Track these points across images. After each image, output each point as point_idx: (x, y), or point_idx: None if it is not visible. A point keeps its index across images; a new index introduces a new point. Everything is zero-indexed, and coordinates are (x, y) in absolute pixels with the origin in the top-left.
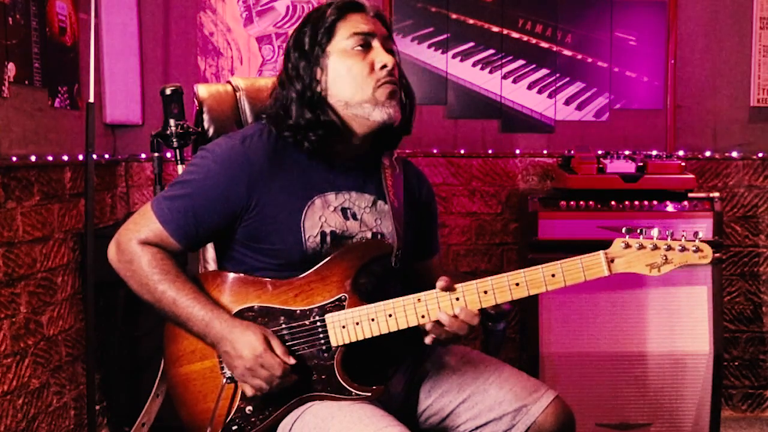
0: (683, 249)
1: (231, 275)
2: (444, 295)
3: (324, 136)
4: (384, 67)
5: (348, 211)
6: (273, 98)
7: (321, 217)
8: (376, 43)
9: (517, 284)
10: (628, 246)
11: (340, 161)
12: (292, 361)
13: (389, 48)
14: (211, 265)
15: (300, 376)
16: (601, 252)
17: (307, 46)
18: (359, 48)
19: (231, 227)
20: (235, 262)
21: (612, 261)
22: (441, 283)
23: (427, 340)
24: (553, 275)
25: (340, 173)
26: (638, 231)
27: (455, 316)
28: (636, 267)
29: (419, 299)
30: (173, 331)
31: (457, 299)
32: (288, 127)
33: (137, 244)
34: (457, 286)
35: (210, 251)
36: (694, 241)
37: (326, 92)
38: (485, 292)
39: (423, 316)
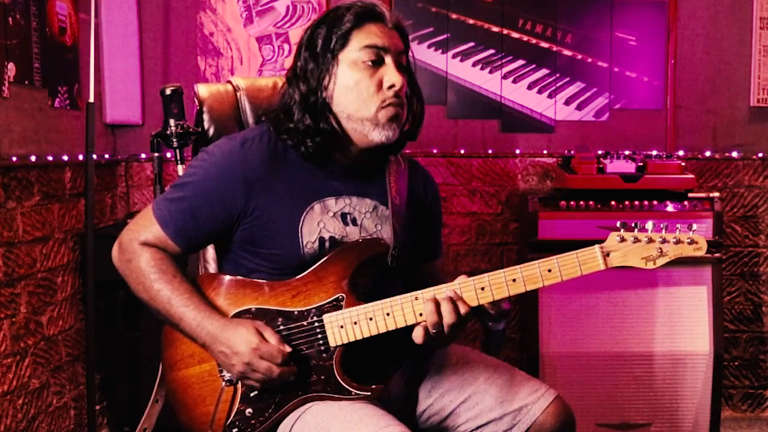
0: (678, 241)
1: (228, 277)
2: (441, 292)
3: (322, 144)
4: (392, 87)
5: (348, 216)
6: (280, 95)
7: (320, 222)
8: (388, 60)
9: (514, 280)
10: (623, 240)
11: (341, 166)
12: (288, 348)
13: (402, 65)
14: (212, 265)
15: (299, 377)
16: (596, 246)
17: (319, 48)
18: (370, 62)
19: (229, 231)
20: (234, 264)
21: (608, 255)
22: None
23: (417, 338)
24: (549, 270)
25: (341, 178)
26: (633, 225)
27: (449, 299)
28: (632, 260)
29: (416, 297)
30: (171, 335)
31: None
32: (287, 130)
33: (138, 245)
34: (453, 282)
35: (210, 251)
36: (689, 233)
37: (331, 100)
38: (482, 289)
39: (421, 314)
